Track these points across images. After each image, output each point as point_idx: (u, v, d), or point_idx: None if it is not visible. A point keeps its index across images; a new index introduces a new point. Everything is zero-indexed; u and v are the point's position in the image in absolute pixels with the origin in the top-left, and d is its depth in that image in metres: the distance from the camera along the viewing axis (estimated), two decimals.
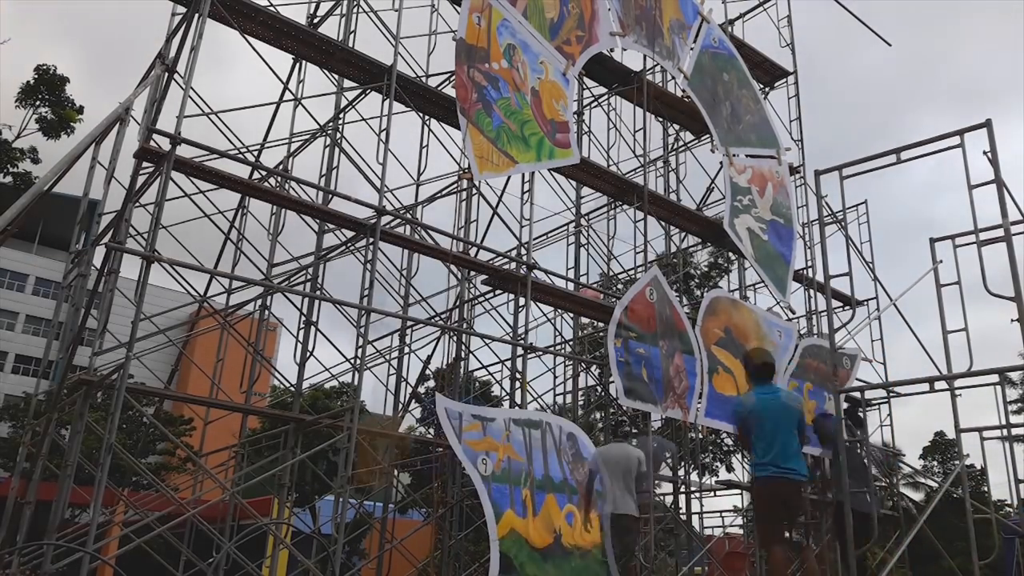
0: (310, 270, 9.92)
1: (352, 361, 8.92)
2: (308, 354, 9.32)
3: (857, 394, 8.74)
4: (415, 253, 10.48)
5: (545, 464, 7.99)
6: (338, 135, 9.89)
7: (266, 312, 10.23)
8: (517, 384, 9.51)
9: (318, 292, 9.63)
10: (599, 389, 14.22)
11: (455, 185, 11.32)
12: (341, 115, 10.10)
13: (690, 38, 12.58)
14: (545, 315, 12.03)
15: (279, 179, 9.86)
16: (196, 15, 7.92)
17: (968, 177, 6.27)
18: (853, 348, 11.76)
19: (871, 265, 11.28)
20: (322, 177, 9.73)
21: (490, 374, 11.57)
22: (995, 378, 6.35)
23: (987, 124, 6.17)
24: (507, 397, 11.10)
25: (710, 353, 10.45)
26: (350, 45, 9.62)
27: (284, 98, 10.05)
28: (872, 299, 11.80)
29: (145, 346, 8.76)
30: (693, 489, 12.53)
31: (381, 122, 9.14)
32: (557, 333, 12.07)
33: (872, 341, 11.72)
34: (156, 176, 7.62)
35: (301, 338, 9.32)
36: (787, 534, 6.45)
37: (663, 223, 12.90)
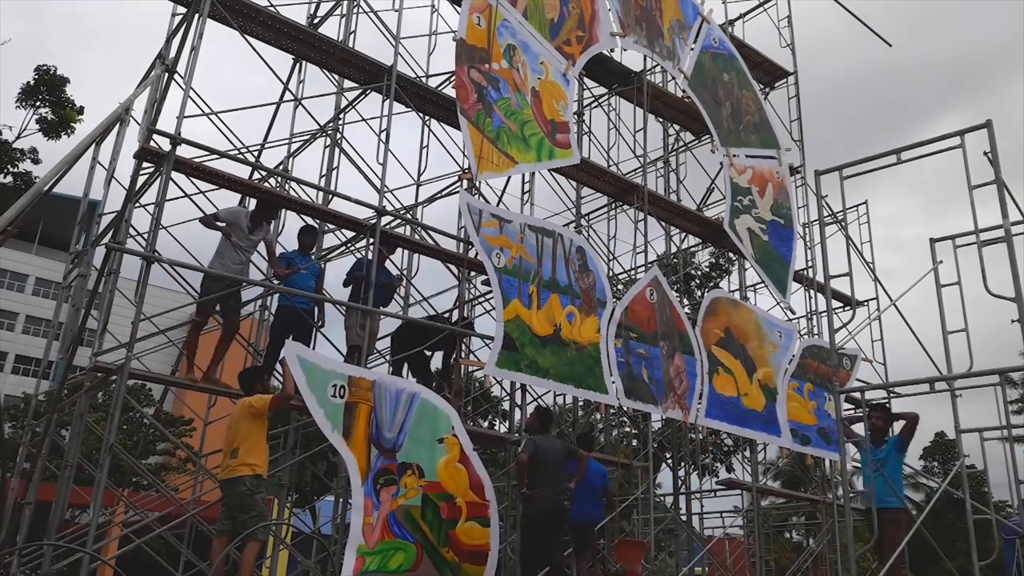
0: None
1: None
2: None
3: None
4: (415, 253, 10.47)
5: (553, 268, 8.90)
6: (338, 135, 9.89)
7: (266, 312, 10.23)
8: (517, 384, 9.51)
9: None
10: None
11: (455, 185, 11.31)
12: (341, 115, 10.10)
13: (690, 38, 12.58)
14: None
15: (279, 179, 9.86)
16: (196, 15, 7.92)
17: (968, 177, 6.26)
18: (853, 348, 11.76)
19: (871, 265, 11.28)
20: (322, 177, 9.73)
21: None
22: (995, 378, 6.34)
23: (987, 124, 6.17)
24: (507, 397, 11.10)
25: (710, 354, 10.45)
26: (350, 45, 9.61)
27: (284, 98, 10.05)
28: (872, 299, 11.81)
29: (145, 346, 8.75)
30: (693, 491, 12.55)
31: (381, 122, 9.14)
32: None
33: (872, 341, 11.73)
34: (156, 176, 7.62)
35: None
36: None
37: (663, 223, 12.90)
